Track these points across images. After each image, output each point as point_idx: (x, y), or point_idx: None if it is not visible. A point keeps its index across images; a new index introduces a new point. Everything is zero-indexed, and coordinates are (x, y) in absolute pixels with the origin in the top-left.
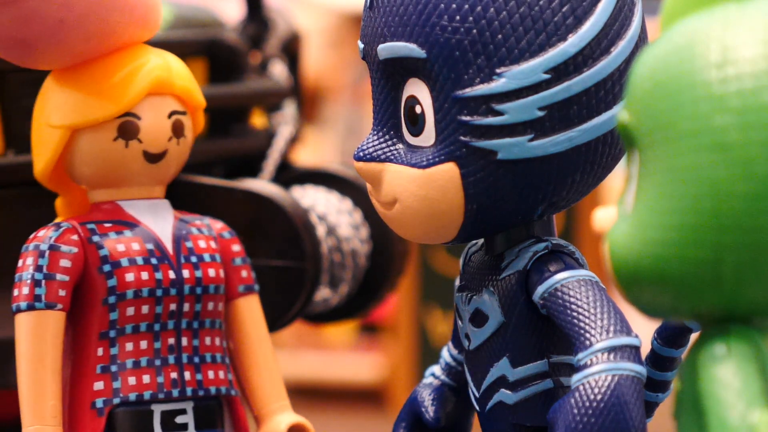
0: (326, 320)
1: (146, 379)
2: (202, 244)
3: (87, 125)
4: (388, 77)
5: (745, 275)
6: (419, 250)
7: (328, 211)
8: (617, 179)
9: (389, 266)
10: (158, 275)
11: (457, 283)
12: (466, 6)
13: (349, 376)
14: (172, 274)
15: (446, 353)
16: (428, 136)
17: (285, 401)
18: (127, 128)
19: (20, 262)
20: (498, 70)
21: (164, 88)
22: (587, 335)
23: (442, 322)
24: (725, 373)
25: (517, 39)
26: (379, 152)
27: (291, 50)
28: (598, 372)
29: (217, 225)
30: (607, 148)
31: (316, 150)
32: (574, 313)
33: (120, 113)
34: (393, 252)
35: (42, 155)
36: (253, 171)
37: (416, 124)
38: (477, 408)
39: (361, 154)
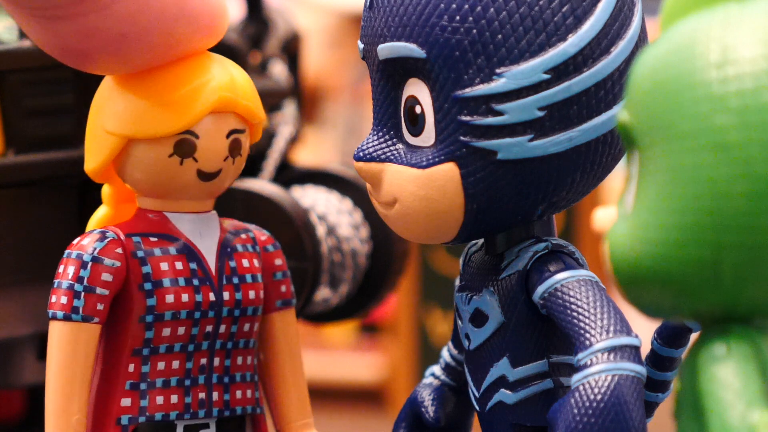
0: (326, 320)
1: (174, 399)
2: (245, 263)
3: (144, 138)
4: (388, 77)
5: (744, 275)
6: (419, 250)
7: (328, 211)
8: (617, 179)
9: (389, 266)
10: (198, 297)
11: (458, 283)
12: (466, 6)
13: (349, 375)
14: (212, 296)
15: (446, 353)
16: (428, 136)
17: (309, 419)
18: (184, 146)
19: (61, 268)
20: (498, 70)
21: (227, 107)
22: (587, 335)
23: (442, 322)
24: (725, 373)
25: (517, 39)
26: (379, 152)
27: (291, 50)
28: (598, 372)
29: (262, 237)
30: (606, 147)
31: (316, 150)
32: (574, 313)
33: (179, 131)
34: (393, 252)
35: (95, 156)
36: (254, 171)
37: (416, 124)
38: (477, 408)
39: (361, 154)
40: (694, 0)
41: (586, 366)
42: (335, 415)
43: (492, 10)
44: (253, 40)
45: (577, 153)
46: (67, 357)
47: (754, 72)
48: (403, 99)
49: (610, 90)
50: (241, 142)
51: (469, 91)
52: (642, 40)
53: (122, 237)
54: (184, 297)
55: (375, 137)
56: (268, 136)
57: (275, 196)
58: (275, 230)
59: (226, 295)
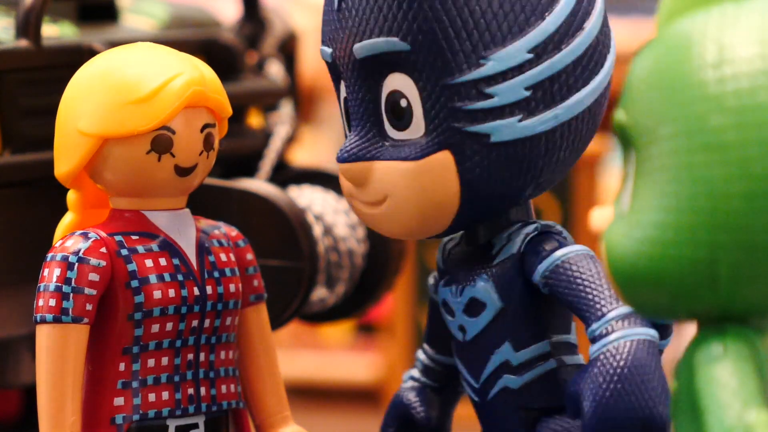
0: (323, 320)
1: (166, 395)
2: (223, 257)
3: (120, 136)
4: (365, 76)
5: (741, 275)
6: (416, 249)
7: (325, 210)
8: (614, 179)
9: (386, 266)
10: (184, 292)
11: (432, 281)
12: None
13: (345, 375)
14: (196, 291)
15: (422, 355)
16: (417, 128)
17: (287, 412)
18: (161, 142)
19: (45, 272)
20: (484, 54)
21: (199, 101)
22: (598, 305)
23: None
24: (722, 372)
25: (499, 21)
26: (364, 151)
27: (287, 50)
28: (616, 339)
29: (232, 233)
30: (587, 123)
31: (313, 150)
32: (581, 286)
33: (157, 127)
34: (389, 252)
35: (68, 159)
36: (250, 171)
37: (402, 118)
38: (476, 398)
39: (345, 155)
40: (691, 0)
41: (602, 335)
42: (332, 414)
43: None
44: (249, 40)
45: (562, 130)
46: (59, 359)
47: (751, 72)
48: (383, 95)
49: (586, 66)
50: (214, 135)
51: (458, 77)
52: (606, 15)
53: (105, 236)
54: (171, 292)
55: (357, 137)
56: (265, 135)
57: (272, 195)
58: (271, 230)
59: (209, 290)
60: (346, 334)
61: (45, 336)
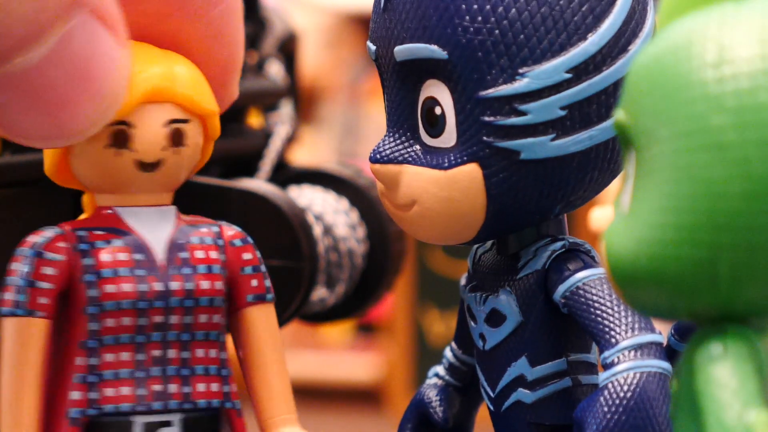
0: (323, 320)
1: (125, 390)
2: (199, 254)
3: None
4: (404, 79)
5: (741, 275)
6: (416, 250)
7: (325, 210)
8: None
9: (386, 266)
10: (142, 287)
11: (463, 282)
12: (488, 6)
13: (345, 375)
14: (158, 286)
15: (449, 353)
16: (449, 138)
17: (292, 414)
18: (118, 136)
19: (12, 266)
20: (521, 70)
21: (163, 96)
22: (612, 333)
23: (439, 321)
24: (722, 372)
25: (539, 39)
26: (397, 154)
27: (287, 50)
28: (625, 370)
29: (229, 232)
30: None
31: (313, 149)
32: (598, 311)
33: (113, 122)
34: (389, 252)
35: (47, 156)
36: (250, 171)
37: (435, 126)
38: (491, 407)
39: (378, 156)
40: (691, 0)
41: (613, 364)
42: (332, 414)
43: (514, 10)
44: (249, 40)
45: (597, 151)
46: (16, 353)
47: (751, 72)
48: (420, 100)
49: None
50: (183, 131)
51: (492, 92)
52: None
53: (69, 231)
54: (126, 287)
55: (391, 139)
56: (265, 135)
57: (272, 195)
58: (271, 230)
59: (175, 285)
60: (346, 334)
61: (5, 329)
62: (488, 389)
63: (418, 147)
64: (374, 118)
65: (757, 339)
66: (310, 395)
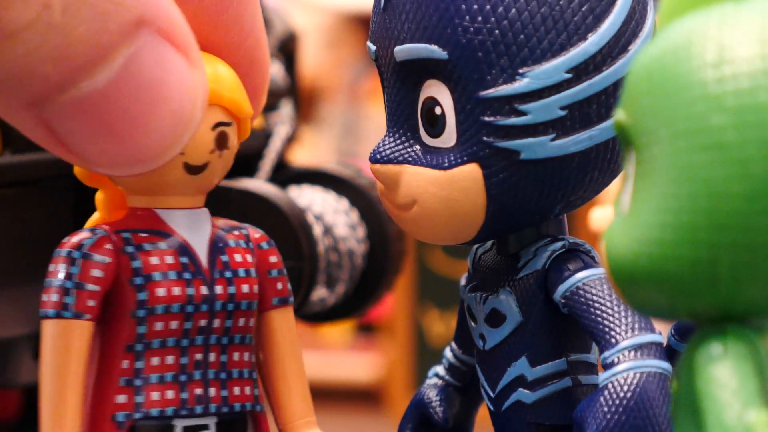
0: (323, 320)
1: (170, 394)
2: (238, 258)
3: None
4: (404, 79)
5: (741, 275)
6: (416, 249)
7: (325, 210)
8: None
9: (386, 266)
10: (190, 291)
11: (463, 282)
12: (488, 6)
13: (345, 375)
14: (204, 290)
15: (449, 353)
16: (449, 138)
17: (311, 417)
18: None
19: (52, 267)
20: (521, 71)
21: (212, 99)
22: (612, 333)
23: (439, 321)
24: (722, 372)
25: (539, 39)
26: (397, 154)
27: (288, 50)
28: (625, 370)
29: (256, 235)
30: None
31: (313, 150)
32: (598, 311)
33: None
34: (389, 252)
35: None
36: (250, 171)
37: (435, 126)
38: (491, 407)
39: (378, 156)
40: (691, 0)
41: (613, 364)
42: (332, 414)
43: (514, 10)
44: None
45: (597, 151)
46: (60, 356)
47: (751, 72)
48: (420, 100)
49: None
50: (228, 135)
51: (492, 92)
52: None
53: (112, 233)
54: (176, 290)
55: (391, 139)
56: (265, 135)
57: (272, 195)
58: (272, 230)
59: (218, 289)
60: (346, 334)
61: (48, 331)
62: (488, 389)
63: (418, 147)
64: (374, 118)
65: (757, 339)
66: (311, 395)
